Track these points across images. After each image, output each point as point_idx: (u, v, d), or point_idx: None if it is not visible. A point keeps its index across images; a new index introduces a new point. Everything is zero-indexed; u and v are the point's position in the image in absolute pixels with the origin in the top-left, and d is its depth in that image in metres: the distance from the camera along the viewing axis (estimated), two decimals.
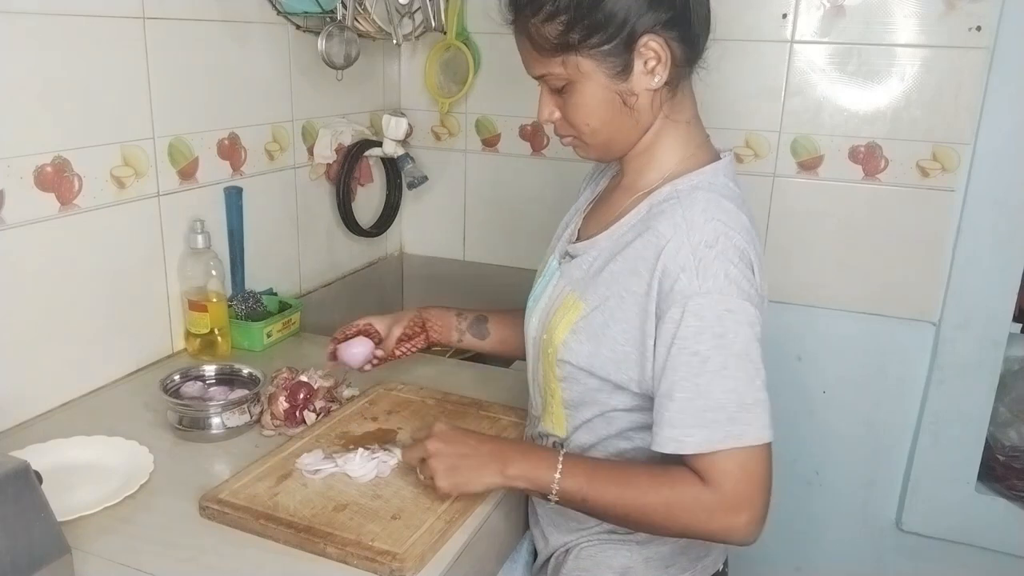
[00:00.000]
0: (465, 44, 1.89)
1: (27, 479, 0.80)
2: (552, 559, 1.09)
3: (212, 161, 1.48)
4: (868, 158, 1.68)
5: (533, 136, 1.95)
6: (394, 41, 1.66)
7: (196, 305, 1.40)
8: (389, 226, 2.03)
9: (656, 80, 0.92)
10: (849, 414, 1.81)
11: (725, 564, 1.11)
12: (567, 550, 1.06)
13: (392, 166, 1.98)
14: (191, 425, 1.16)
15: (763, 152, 1.75)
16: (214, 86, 1.46)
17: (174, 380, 1.23)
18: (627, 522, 0.93)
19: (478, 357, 1.75)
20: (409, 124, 1.83)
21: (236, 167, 1.54)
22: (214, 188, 1.49)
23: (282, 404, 1.18)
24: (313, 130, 1.74)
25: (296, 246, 1.76)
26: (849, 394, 1.80)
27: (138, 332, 1.38)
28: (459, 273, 2.10)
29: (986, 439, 1.72)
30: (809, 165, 1.73)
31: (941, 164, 1.64)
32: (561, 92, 0.95)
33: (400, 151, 1.88)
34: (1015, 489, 1.74)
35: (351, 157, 1.81)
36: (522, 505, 1.15)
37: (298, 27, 1.61)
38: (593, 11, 0.88)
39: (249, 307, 1.52)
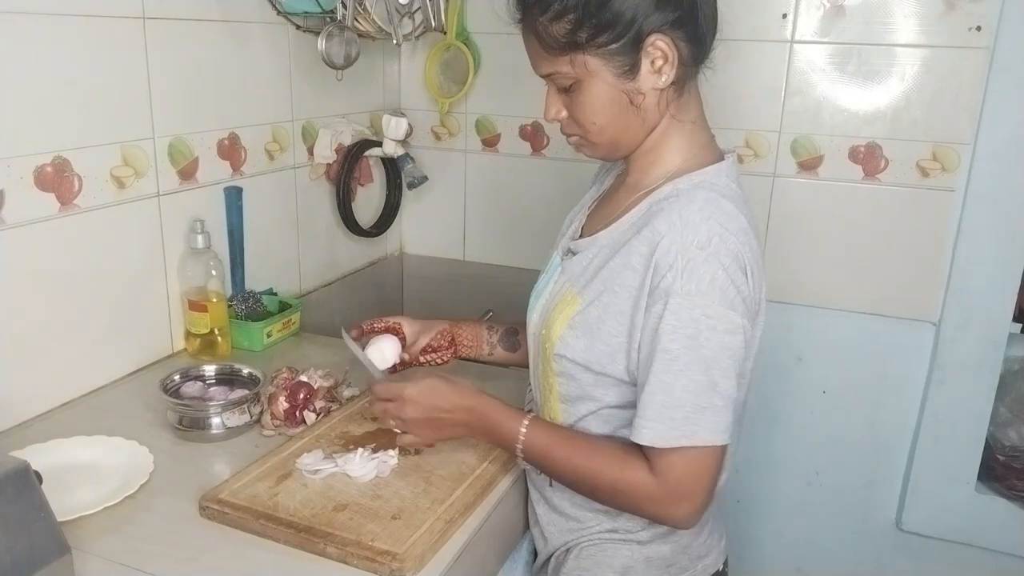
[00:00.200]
0: (465, 44, 1.89)
1: (27, 479, 0.80)
2: (552, 559, 1.09)
3: (212, 161, 1.48)
4: (868, 158, 1.68)
5: (533, 136, 1.95)
6: (394, 41, 1.66)
7: (196, 305, 1.40)
8: (389, 226, 2.03)
9: (663, 79, 0.92)
10: (849, 414, 1.81)
11: (725, 564, 1.11)
12: (567, 550, 1.06)
13: (392, 166, 1.98)
14: (191, 425, 1.16)
15: (763, 152, 1.75)
16: (214, 86, 1.46)
17: (174, 380, 1.23)
18: (578, 490, 1.00)
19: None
20: (409, 124, 1.83)
21: (236, 167, 1.54)
22: (214, 188, 1.49)
23: (282, 404, 1.18)
24: (313, 130, 1.74)
25: (296, 246, 1.76)
26: (849, 394, 1.80)
27: (138, 332, 1.38)
28: (459, 273, 2.10)
29: (986, 439, 1.72)
30: (809, 165, 1.73)
31: (941, 164, 1.64)
32: (568, 91, 0.95)
33: (400, 151, 1.88)
34: (1015, 489, 1.74)
35: (351, 157, 1.81)
36: (522, 505, 1.15)
37: (298, 27, 1.61)
38: (601, 10, 0.88)
39: (249, 307, 1.52)
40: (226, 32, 1.47)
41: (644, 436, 0.89)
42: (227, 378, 1.27)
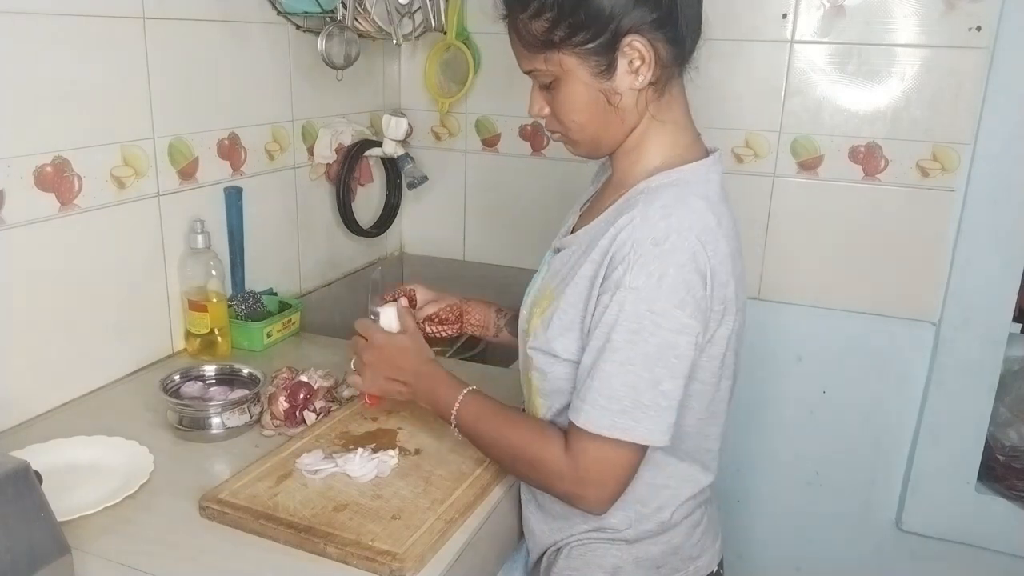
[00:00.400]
0: (465, 44, 1.89)
1: (27, 479, 0.80)
2: (544, 558, 1.09)
3: (212, 161, 1.48)
4: (868, 158, 1.68)
5: (533, 136, 1.95)
6: (394, 41, 1.66)
7: (196, 305, 1.40)
8: (389, 226, 2.03)
9: (640, 80, 0.92)
10: (849, 414, 1.81)
11: (720, 565, 1.11)
12: (558, 549, 1.07)
13: (392, 166, 1.98)
14: (191, 425, 1.16)
15: (763, 152, 1.75)
16: (214, 86, 1.46)
17: (174, 380, 1.23)
18: (503, 464, 1.03)
19: (478, 357, 1.76)
20: (409, 124, 1.83)
21: (236, 167, 1.54)
22: (214, 188, 1.49)
23: (282, 404, 1.18)
24: (313, 130, 1.74)
25: (296, 246, 1.76)
26: (849, 394, 1.80)
27: (138, 332, 1.38)
28: (459, 273, 2.10)
29: (986, 439, 1.72)
30: (809, 165, 1.73)
31: (941, 164, 1.64)
32: (549, 88, 0.96)
33: (400, 151, 1.88)
34: (1015, 489, 1.74)
35: (351, 157, 1.81)
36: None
37: (298, 27, 1.61)
38: (578, 9, 0.89)
39: (249, 307, 1.52)
40: (226, 32, 1.47)
41: (579, 418, 0.90)
42: (227, 378, 1.27)
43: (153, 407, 1.23)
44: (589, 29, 0.89)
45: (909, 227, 1.68)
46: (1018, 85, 1.54)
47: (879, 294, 1.73)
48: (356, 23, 1.62)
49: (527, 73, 0.98)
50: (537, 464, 0.95)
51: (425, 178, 1.94)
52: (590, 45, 0.90)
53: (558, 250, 1.06)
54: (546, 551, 1.09)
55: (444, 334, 1.27)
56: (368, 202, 1.98)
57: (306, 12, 1.55)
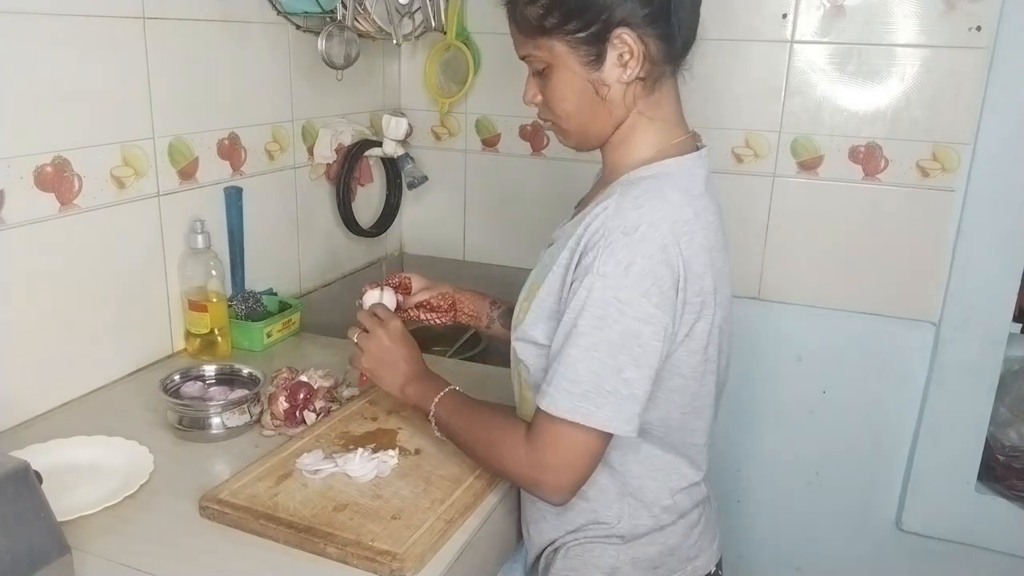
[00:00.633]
0: (465, 44, 1.89)
1: (27, 479, 0.80)
2: (542, 557, 1.09)
3: (212, 161, 1.48)
4: (868, 158, 1.68)
5: (533, 136, 1.95)
6: (394, 41, 1.66)
7: (196, 305, 1.40)
8: (389, 226, 2.03)
9: (628, 73, 0.93)
10: (849, 414, 1.81)
11: (718, 566, 1.11)
12: (555, 549, 1.06)
13: (392, 166, 1.98)
14: (191, 425, 1.16)
15: (763, 152, 1.75)
16: (214, 86, 1.46)
17: (174, 380, 1.23)
18: (471, 454, 1.04)
19: (478, 357, 1.76)
20: (409, 124, 1.83)
21: (236, 167, 1.54)
22: (214, 188, 1.49)
23: (282, 404, 1.18)
24: (313, 130, 1.74)
25: (296, 246, 1.76)
26: (849, 394, 1.80)
27: (138, 332, 1.38)
28: (459, 273, 2.10)
29: (986, 439, 1.72)
30: (809, 165, 1.73)
31: (941, 164, 1.64)
32: (542, 75, 0.97)
33: (400, 151, 1.88)
34: (1015, 489, 1.74)
35: (351, 157, 1.81)
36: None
37: (298, 27, 1.61)
38: None
39: (249, 307, 1.52)
40: (226, 32, 1.47)
41: (543, 401, 0.90)
42: (227, 378, 1.27)
43: (153, 407, 1.23)
44: (581, 18, 0.90)
45: (909, 227, 1.68)
46: (1018, 85, 1.54)
47: (879, 294, 1.73)
48: (356, 23, 1.62)
49: (522, 59, 0.99)
50: (497, 447, 0.97)
51: (425, 178, 1.94)
52: (581, 34, 0.91)
53: (550, 245, 1.06)
54: (544, 551, 1.09)
55: (436, 321, 1.27)
56: (368, 202, 1.98)
57: (306, 12, 1.55)
